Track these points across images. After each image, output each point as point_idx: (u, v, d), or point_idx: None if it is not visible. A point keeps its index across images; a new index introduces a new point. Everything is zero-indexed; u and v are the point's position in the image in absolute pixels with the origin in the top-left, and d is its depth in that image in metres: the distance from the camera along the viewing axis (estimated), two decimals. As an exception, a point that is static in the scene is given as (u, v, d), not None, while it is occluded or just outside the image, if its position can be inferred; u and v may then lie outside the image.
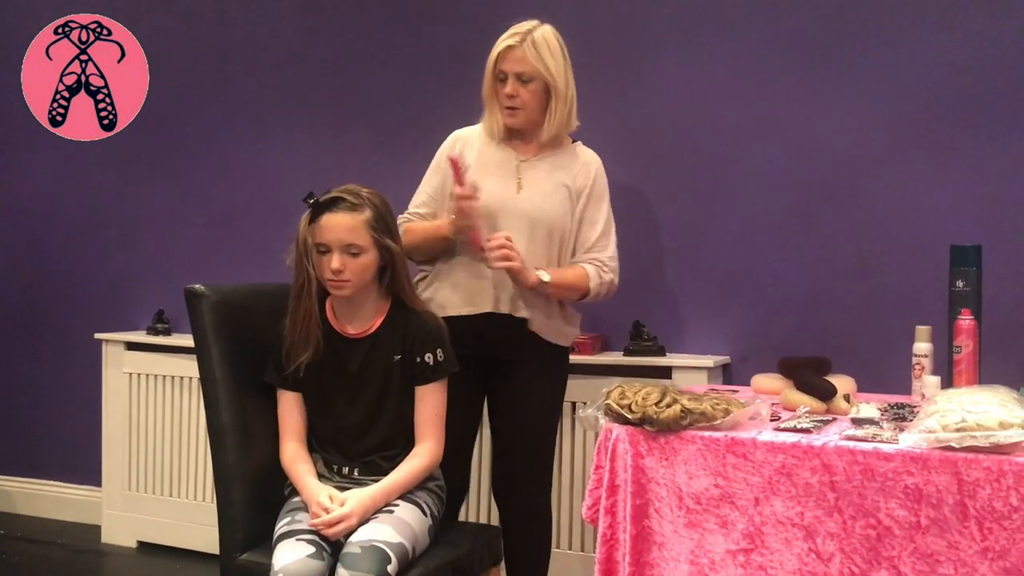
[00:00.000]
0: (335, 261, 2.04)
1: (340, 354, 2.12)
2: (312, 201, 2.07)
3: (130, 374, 3.55)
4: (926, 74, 2.66)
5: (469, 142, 2.43)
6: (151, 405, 3.53)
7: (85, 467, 3.77)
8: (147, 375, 3.53)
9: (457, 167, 2.25)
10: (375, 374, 2.12)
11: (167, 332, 3.56)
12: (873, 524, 1.69)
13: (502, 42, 2.32)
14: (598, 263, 2.40)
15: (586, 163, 2.44)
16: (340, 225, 2.04)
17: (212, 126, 3.65)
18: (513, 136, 2.41)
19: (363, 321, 2.14)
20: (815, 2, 2.78)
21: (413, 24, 3.31)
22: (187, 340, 3.29)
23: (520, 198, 2.34)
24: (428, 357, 2.12)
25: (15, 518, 3.90)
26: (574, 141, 2.50)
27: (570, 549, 2.91)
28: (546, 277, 2.30)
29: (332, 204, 2.06)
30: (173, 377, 3.48)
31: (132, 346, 3.56)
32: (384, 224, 2.09)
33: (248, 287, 2.34)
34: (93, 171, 3.84)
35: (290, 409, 2.15)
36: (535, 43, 2.30)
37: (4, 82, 3.86)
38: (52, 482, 3.93)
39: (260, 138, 3.55)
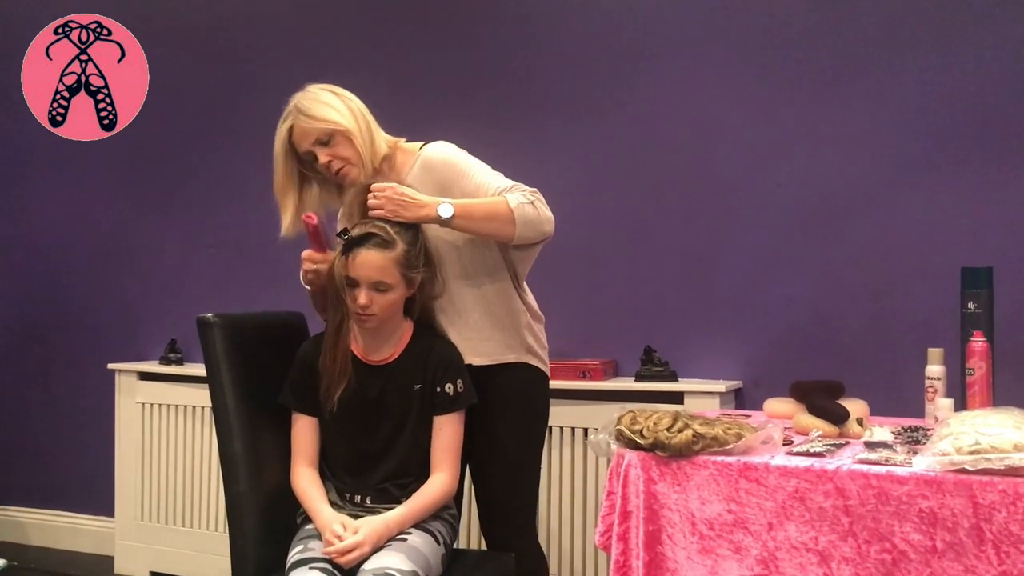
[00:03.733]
0: (362, 297, 2.05)
1: (360, 381, 2.13)
2: (347, 237, 2.09)
3: (143, 404, 3.57)
4: (935, 96, 2.67)
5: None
6: (164, 435, 3.54)
7: (98, 497, 3.78)
8: (160, 405, 3.54)
9: (314, 228, 2.13)
10: (394, 402, 2.12)
11: (180, 362, 3.57)
12: (888, 548, 1.68)
13: (281, 131, 2.21)
14: (509, 191, 2.14)
15: (429, 167, 2.22)
16: (370, 263, 2.04)
17: (223, 156, 3.68)
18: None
19: (386, 349, 2.15)
20: (824, 27, 2.80)
21: (425, 51, 3.34)
22: (200, 370, 3.30)
23: None
24: (448, 387, 2.12)
25: (28, 549, 3.90)
26: (419, 148, 2.28)
27: (584, 577, 2.89)
28: (447, 211, 2.08)
29: (365, 240, 2.06)
30: (186, 407, 3.49)
31: (145, 376, 3.58)
32: (414, 259, 2.10)
33: (260, 316, 2.35)
34: (106, 202, 3.88)
35: (305, 433, 2.15)
36: (301, 109, 2.18)
37: (17, 112, 3.90)
38: (65, 512, 3.93)
39: (271, 167, 3.57)
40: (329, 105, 2.20)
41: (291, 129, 2.21)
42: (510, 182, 2.18)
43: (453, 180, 2.19)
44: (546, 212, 2.15)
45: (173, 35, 3.76)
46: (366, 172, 2.21)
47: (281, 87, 3.54)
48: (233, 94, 3.66)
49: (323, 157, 2.19)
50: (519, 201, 2.11)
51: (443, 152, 2.25)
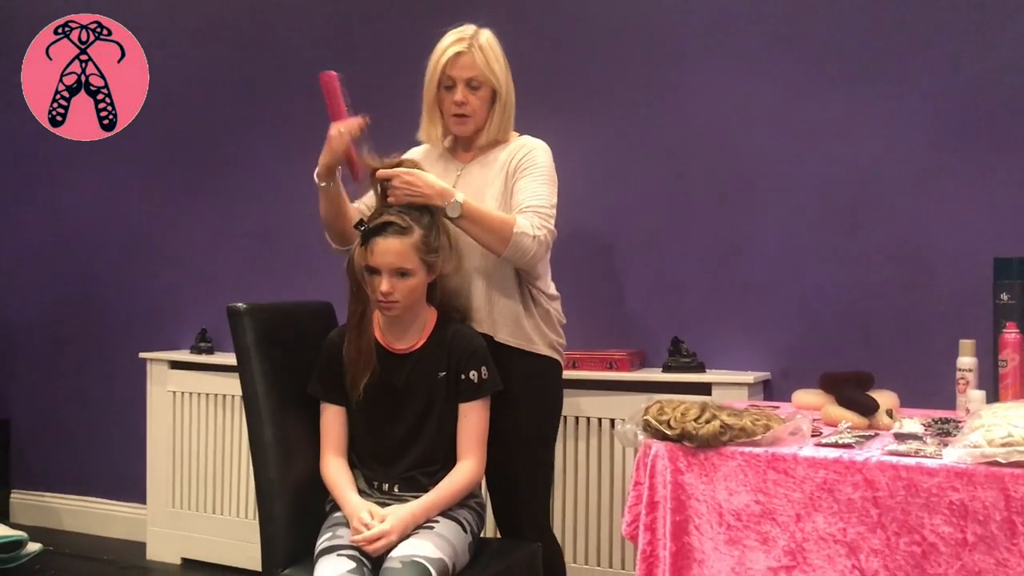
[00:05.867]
0: (384, 284, 2.07)
1: (386, 369, 2.14)
2: (363, 229, 2.11)
3: (174, 392, 3.61)
4: (966, 84, 2.64)
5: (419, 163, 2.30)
6: (195, 423, 3.57)
7: (130, 484, 3.82)
8: (191, 393, 3.58)
9: (333, 88, 2.12)
10: (419, 390, 2.14)
11: (210, 351, 3.60)
12: (918, 541, 1.67)
13: (449, 48, 2.26)
14: (534, 212, 2.21)
15: (520, 146, 2.32)
16: (390, 250, 2.07)
17: (252, 146, 3.71)
18: (456, 145, 2.38)
19: (410, 337, 2.17)
20: (851, 14, 2.77)
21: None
22: (230, 359, 3.32)
23: None
24: (473, 375, 2.14)
25: (62, 534, 3.96)
26: (521, 135, 2.39)
27: (610, 567, 2.89)
28: (455, 211, 2.12)
29: (382, 229, 2.09)
30: (216, 395, 3.52)
31: (176, 365, 3.61)
32: (432, 243, 2.12)
33: (290, 305, 2.36)
34: (138, 193, 3.92)
35: (333, 422, 2.17)
36: (482, 48, 2.26)
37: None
38: (98, 499, 3.99)
39: (301, 157, 3.57)
40: (500, 64, 2.29)
41: (459, 54, 2.25)
42: (547, 208, 2.23)
43: (523, 167, 2.27)
44: (541, 251, 2.21)
45: (201, 27, 3.78)
46: (487, 137, 2.31)
47: (309, 78, 3.57)
48: (261, 85, 3.68)
49: (460, 95, 2.26)
50: (523, 230, 2.16)
51: (537, 144, 2.33)
